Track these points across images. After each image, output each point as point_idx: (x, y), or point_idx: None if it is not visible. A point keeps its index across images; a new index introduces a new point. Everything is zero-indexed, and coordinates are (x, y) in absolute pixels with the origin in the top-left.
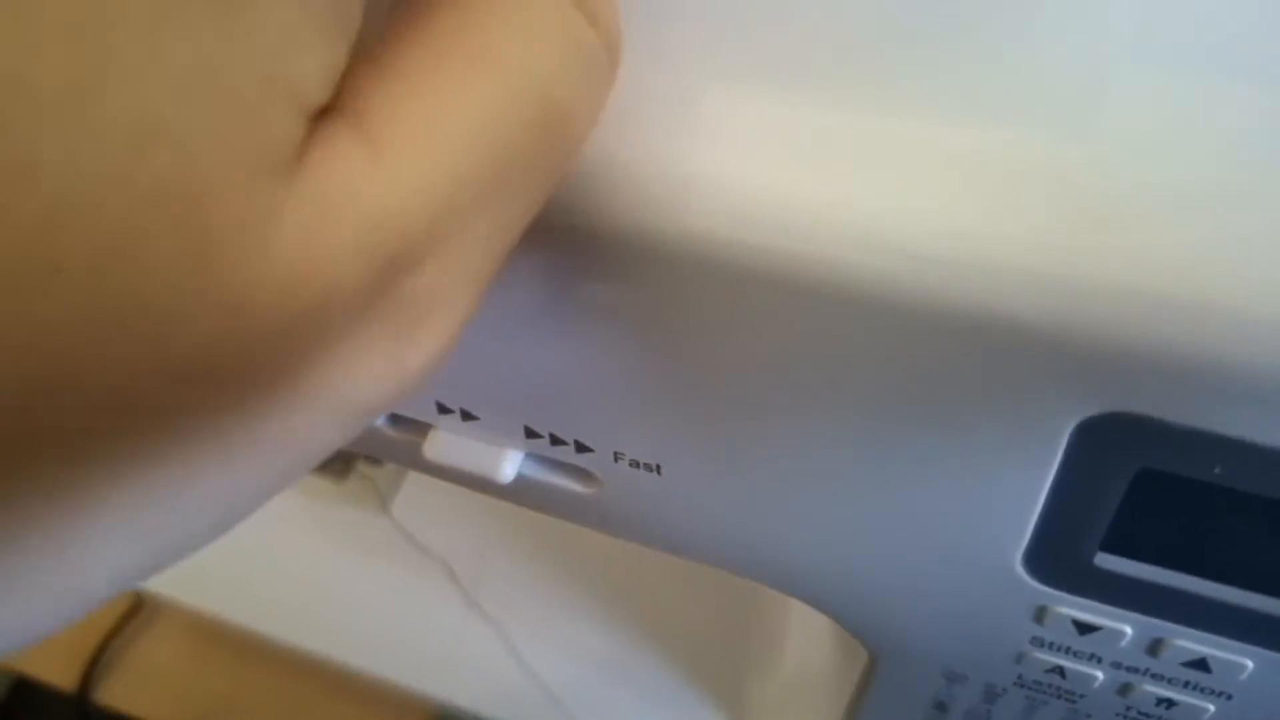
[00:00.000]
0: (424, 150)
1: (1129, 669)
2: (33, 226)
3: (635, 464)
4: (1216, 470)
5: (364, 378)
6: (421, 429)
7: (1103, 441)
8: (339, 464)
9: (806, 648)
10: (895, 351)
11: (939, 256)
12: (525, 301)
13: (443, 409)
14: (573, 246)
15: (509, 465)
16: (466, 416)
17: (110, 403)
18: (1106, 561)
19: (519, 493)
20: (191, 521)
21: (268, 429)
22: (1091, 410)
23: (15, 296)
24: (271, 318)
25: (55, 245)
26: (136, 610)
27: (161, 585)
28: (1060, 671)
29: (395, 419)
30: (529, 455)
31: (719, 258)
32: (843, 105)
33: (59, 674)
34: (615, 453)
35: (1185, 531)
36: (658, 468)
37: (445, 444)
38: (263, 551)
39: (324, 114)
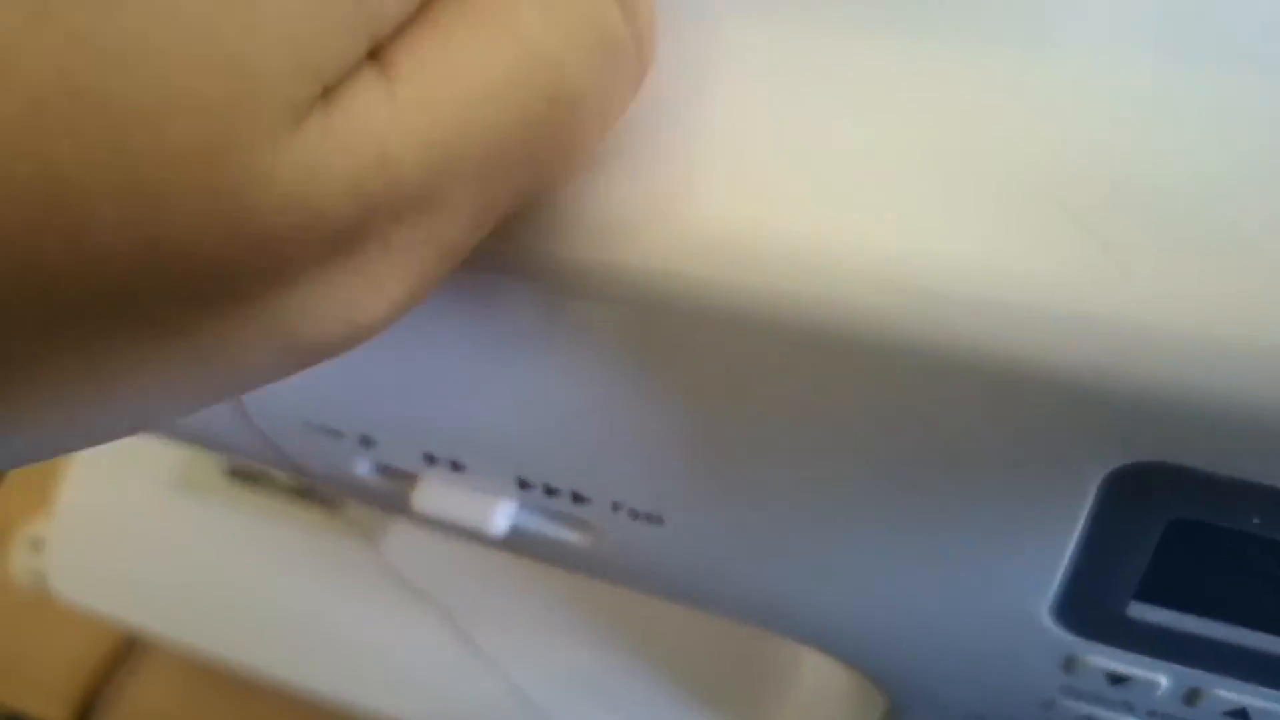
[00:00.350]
0: (437, 105)
1: (1164, 717)
2: (73, 62)
3: (635, 514)
4: (1256, 521)
5: (318, 312)
6: (409, 479)
7: (1134, 492)
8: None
9: (824, 674)
10: (912, 397)
11: (956, 297)
12: (517, 346)
13: (431, 459)
14: (568, 289)
15: (501, 517)
16: (456, 467)
17: (80, 251)
18: (1140, 611)
19: (511, 543)
20: (105, 405)
21: (209, 335)
22: (1122, 460)
23: (34, 127)
24: (259, 222)
25: (89, 83)
26: (130, 649)
27: (154, 622)
28: None
29: (382, 469)
30: (522, 506)
31: (722, 300)
32: (844, 123)
33: (54, 713)
34: (614, 503)
35: (1223, 580)
36: (660, 518)
37: (434, 495)
38: (256, 587)
39: None
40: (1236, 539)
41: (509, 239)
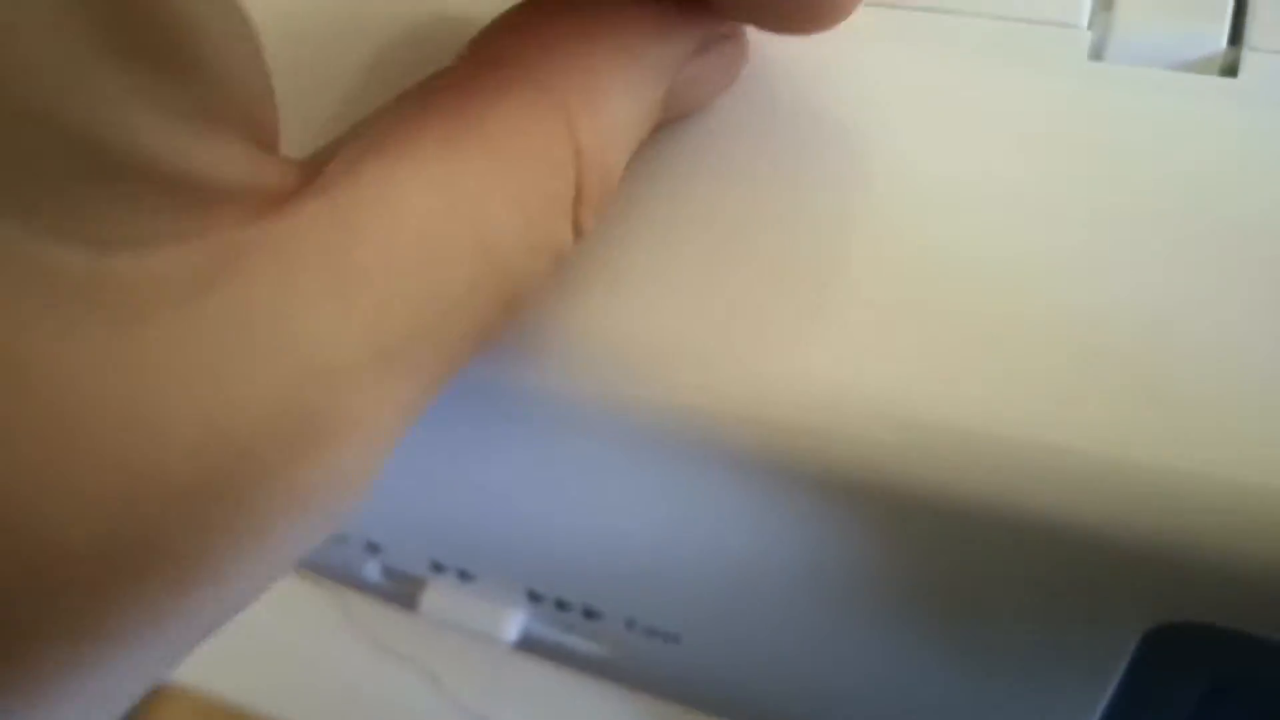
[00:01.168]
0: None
1: None
2: None
3: (652, 632)
4: None
5: (260, 562)
6: (418, 583)
7: (1174, 651)
8: None
9: None
10: (941, 547)
11: (987, 445)
12: (525, 463)
13: (438, 567)
14: (572, 415)
15: (512, 625)
16: (464, 576)
17: None
18: None
19: (524, 647)
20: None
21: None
22: (1160, 619)
23: None
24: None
25: None
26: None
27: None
28: None
29: (389, 573)
30: (534, 617)
31: (742, 440)
32: (863, 266)
33: None
34: (628, 620)
35: None
36: (676, 637)
37: (443, 602)
38: (277, 639)
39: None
40: None
41: (526, 370)
